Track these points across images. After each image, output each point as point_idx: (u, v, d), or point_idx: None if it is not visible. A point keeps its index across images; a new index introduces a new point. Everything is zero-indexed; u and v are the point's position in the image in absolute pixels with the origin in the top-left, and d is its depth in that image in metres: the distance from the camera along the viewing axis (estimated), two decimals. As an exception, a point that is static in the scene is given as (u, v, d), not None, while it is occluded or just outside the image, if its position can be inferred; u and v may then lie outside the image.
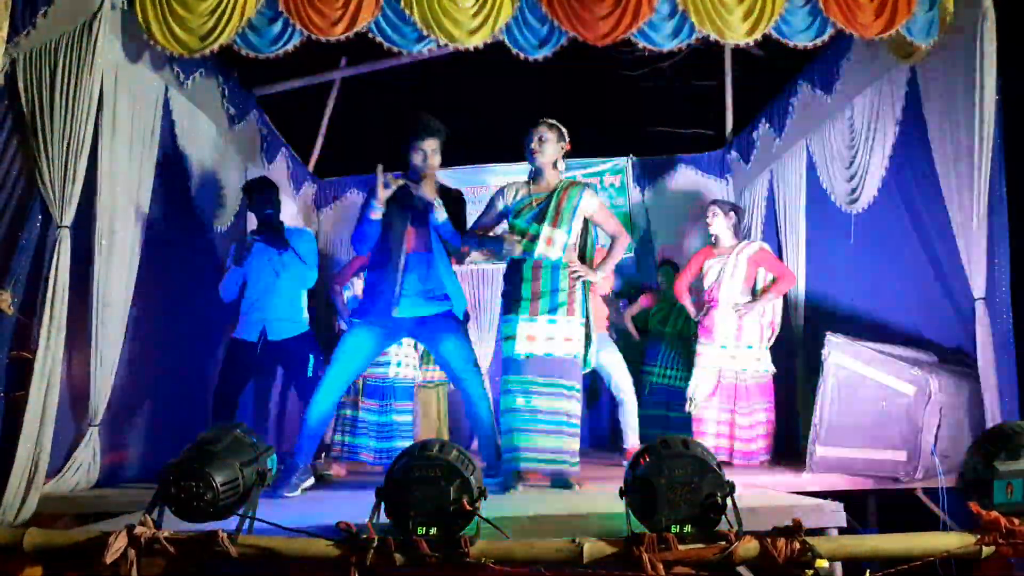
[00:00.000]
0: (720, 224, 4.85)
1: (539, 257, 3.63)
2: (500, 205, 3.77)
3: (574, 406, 3.60)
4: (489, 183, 6.69)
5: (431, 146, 3.64)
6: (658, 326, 5.88)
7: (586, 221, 3.80)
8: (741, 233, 5.01)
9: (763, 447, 4.69)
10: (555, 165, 3.74)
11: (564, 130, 3.76)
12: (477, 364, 3.75)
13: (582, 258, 3.79)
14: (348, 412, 4.80)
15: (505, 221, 3.79)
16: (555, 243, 3.63)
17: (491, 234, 3.84)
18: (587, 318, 3.73)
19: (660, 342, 5.83)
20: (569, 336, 3.60)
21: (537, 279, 3.61)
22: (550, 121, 3.74)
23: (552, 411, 3.55)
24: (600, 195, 6.78)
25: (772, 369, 4.75)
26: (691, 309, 4.99)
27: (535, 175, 3.77)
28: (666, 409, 5.69)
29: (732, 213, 4.89)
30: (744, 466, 4.56)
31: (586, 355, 3.74)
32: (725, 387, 4.71)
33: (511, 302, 3.65)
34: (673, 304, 5.57)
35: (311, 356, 4.42)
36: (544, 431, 3.55)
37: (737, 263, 4.76)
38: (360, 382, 4.77)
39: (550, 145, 3.69)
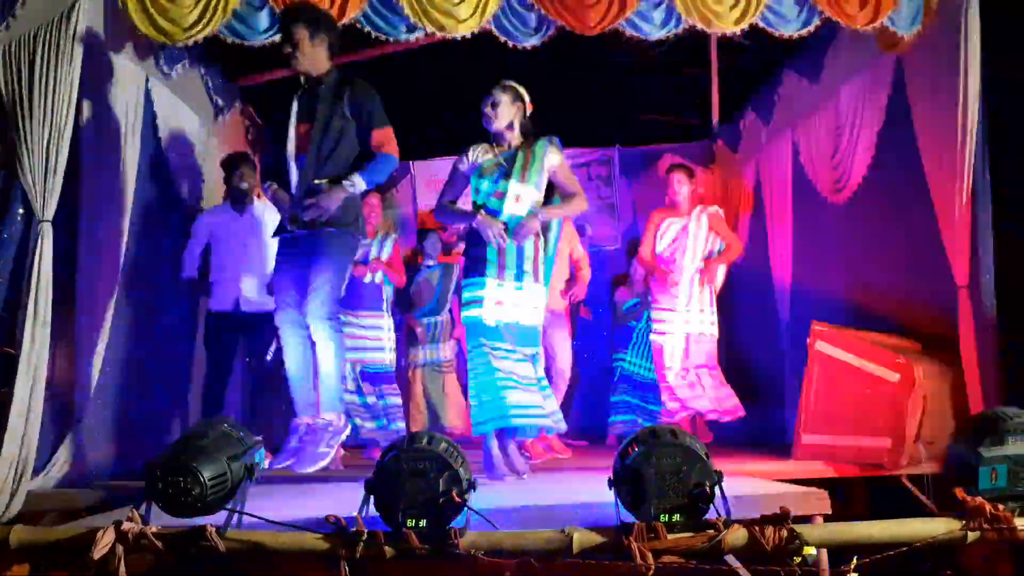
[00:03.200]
0: (685, 189, 4.90)
1: (508, 218, 3.53)
2: (463, 168, 3.66)
3: (540, 369, 3.64)
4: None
5: (300, 34, 3.34)
6: (629, 319, 5.88)
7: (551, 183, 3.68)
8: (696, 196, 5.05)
9: (738, 403, 4.80)
10: (512, 126, 3.63)
11: (521, 89, 3.65)
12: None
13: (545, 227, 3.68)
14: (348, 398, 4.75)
15: (468, 182, 3.69)
16: (523, 199, 3.54)
17: (460, 207, 3.71)
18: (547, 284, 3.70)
19: (631, 333, 5.84)
20: (536, 304, 3.59)
21: (504, 240, 3.50)
22: (505, 83, 3.63)
23: (524, 376, 3.51)
24: (588, 185, 6.86)
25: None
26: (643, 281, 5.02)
27: (495, 139, 3.67)
28: (640, 400, 5.73)
29: (691, 177, 4.96)
30: (732, 421, 4.65)
31: None
32: (694, 350, 4.79)
33: (477, 263, 3.54)
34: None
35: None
36: (525, 389, 3.50)
37: (700, 225, 4.81)
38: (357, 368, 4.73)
39: (504, 108, 3.59)
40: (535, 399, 3.52)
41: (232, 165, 4.51)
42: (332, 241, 3.36)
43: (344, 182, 3.32)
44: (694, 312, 4.77)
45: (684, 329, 4.77)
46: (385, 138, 3.42)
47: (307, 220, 3.33)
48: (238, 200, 4.43)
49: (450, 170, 3.74)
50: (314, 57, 3.42)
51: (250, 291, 4.35)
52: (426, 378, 5.51)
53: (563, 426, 3.63)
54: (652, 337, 4.84)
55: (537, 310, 3.61)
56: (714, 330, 4.88)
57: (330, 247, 3.36)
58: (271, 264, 3.98)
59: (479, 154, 3.64)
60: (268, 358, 4.50)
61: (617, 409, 5.61)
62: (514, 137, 3.66)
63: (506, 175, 3.55)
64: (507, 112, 3.61)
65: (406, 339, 5.40)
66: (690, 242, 4.80)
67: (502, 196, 3.54)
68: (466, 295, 3.58)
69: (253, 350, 4.49)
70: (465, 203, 3.78)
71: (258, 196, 4.51)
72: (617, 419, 5.75)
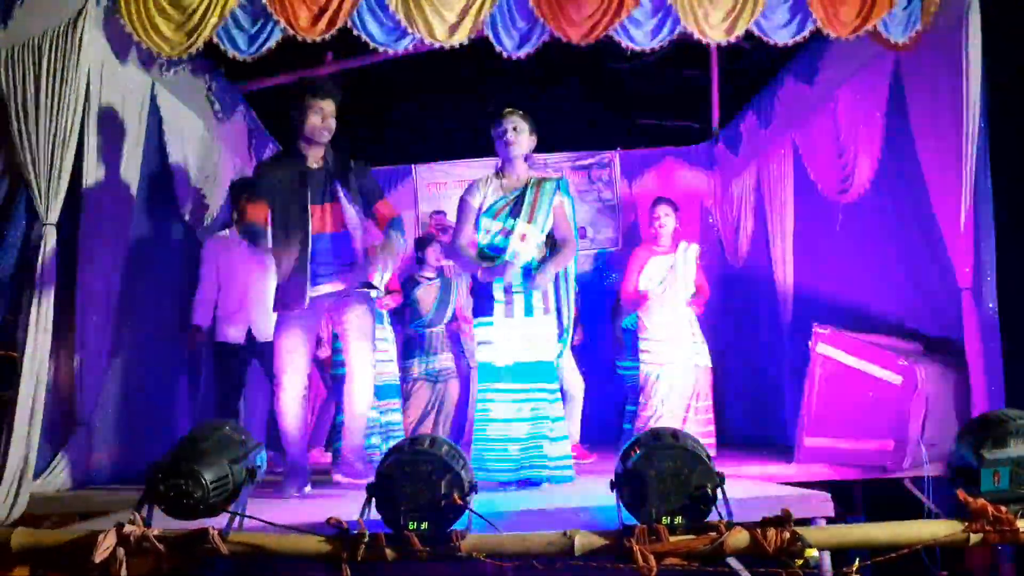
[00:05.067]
0: (671, 223, 4.87)
1: (511, 255, 3.48)
2: (474, 202, 3.61)
3: (555, 410, 3.50)
4: (469, 177, 6.66)
5: (330, 108, 3.44)
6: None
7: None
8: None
9: (711, 435, 4.75)
10: (527, 156, 3.63)
11: (534, 123, 3.63)
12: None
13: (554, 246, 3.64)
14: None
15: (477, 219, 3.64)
16: (529, 239, 3.51)
17: (471, 255, 3.62)
18: (561, 314, 3.64)
19: (636, 337, 5.81)
20: (548, 337, 3.52)
21: (511, 278, 3.47)
22: (520, 112, 3.60)
23: (535, 418, 3.43)
24: (590, 187, 6.85)
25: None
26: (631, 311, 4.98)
27: (505, 168, 3.63)
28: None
29: (677, 211, 4.93)
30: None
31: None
32: (685, 382, 4.74)
33: (485, 302, 3.52)
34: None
35: None
36: (525, 438, 3.43)
37: (687, 260, 4.79)
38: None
39: (524, 136, 3.57)
40: (531, 452, 3.41)
41: (238, 190, 4.42)
42: (370, 300, 3.60)
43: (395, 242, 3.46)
44: (685, 345, 4.74)
45: (674, 361, 4.73)
46: (389, 207, 3.62)
47: (364, 282, 3.51)
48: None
49: (460, 204, 3.68)
50: (331, 132, 3.49)
51: (262, 321, 4.28)
52: (425, 389, 5.50)
53: (566, 476, 3.47)
54: (642, 368, 4.81)
55: (550, 343, 3.52)
56: (707, 361, 4.84)
57: (371, 304, 3.59)
58: None
59: (489, 191, 3.60)
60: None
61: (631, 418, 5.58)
62: (524, 169, 3.63)
63: (514, 214, 3.52)
64: (525, 141, 3.59)
65: (402, 351, 5.37)
66: (679, 279, 4.78)
67: (508, 234, 3.51)
68: (478, 336, 3.58)
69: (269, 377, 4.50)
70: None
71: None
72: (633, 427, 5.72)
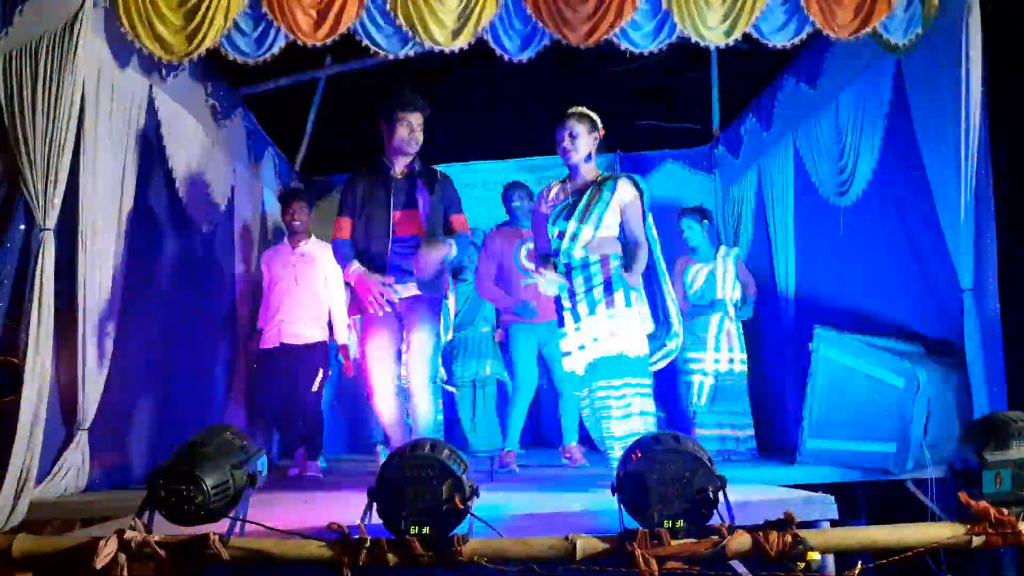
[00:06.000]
0: (697, 233, 4.92)
1: (565, 256, 3.46)
2: (544, 210, 3.60)
3: (645, 403, 3.33)
4: (475, 181, 6.66)
5: (418, 120, 3.58)
6: None
7: (614, 216, 3.47)
8: (715, 237, 5.06)
9: (752, 443, 4.83)
10: (589, 158, 3.54)
11: (595, 118, 3.55)
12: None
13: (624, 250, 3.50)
14: None
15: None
16: (579, 239, 3.43)
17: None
18: (633, 307, 3.40)
19: None
20: (615, 331, 3.33)
21: (570, 282, 3.43)
22: (580, 111, 3.52)
23: (621, 409, 3.32)
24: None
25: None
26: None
27: (570, 173, 3.59)
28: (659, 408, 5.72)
29: (704, 220, 4.96)
30: (742, 461, 4.65)
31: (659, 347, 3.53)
32: (723, 389, 4.79)
33: (560, 313, 3.51)
34: None
35: (320, 369, 4.65)
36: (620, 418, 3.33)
37: (727, 268, 4.84)
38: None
39: (582, 140, 3.48)
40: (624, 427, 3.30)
41: (285, 201, 4.88)
42: (433, 305, 3.64)
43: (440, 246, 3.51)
44: (723, 351, 4.81)
45: (713, 367, 4.80)
46: (463, 222, 3.73)
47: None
48: (291, 235, 4.82)
49: (533, 216, 3.74)
50: (419, 144, 3.62)
51: (295, 326, 4.63)
52: (465, 395, 5.54)
53: None
54: (681, 376, 4.86)
55: (617, 338, 3.32)
56: (743, 369, 4.88)
57: (431, 311, 3.63)
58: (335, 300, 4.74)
59: (555, 195, 3.60)
60: (314, 389, 4.66)
61: None
62: (589, 170, 3.56)
63: (569, 215, 3.47)
64: (585, 144, 3.50)
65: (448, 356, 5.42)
66: (719, 285, 4.85)
67: (562, 236, 3.49)
68: (560, 346, 3.58)
69: (299, 381, 4.67)
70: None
71: (308, 234, 4.90)
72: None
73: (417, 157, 3.67)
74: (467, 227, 3.76)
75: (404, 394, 3.65)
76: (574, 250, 3.45)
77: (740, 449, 4.77)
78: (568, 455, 4.58)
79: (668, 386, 5.25)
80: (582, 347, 3.42)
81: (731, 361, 4.84)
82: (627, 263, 3.42)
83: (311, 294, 4.74)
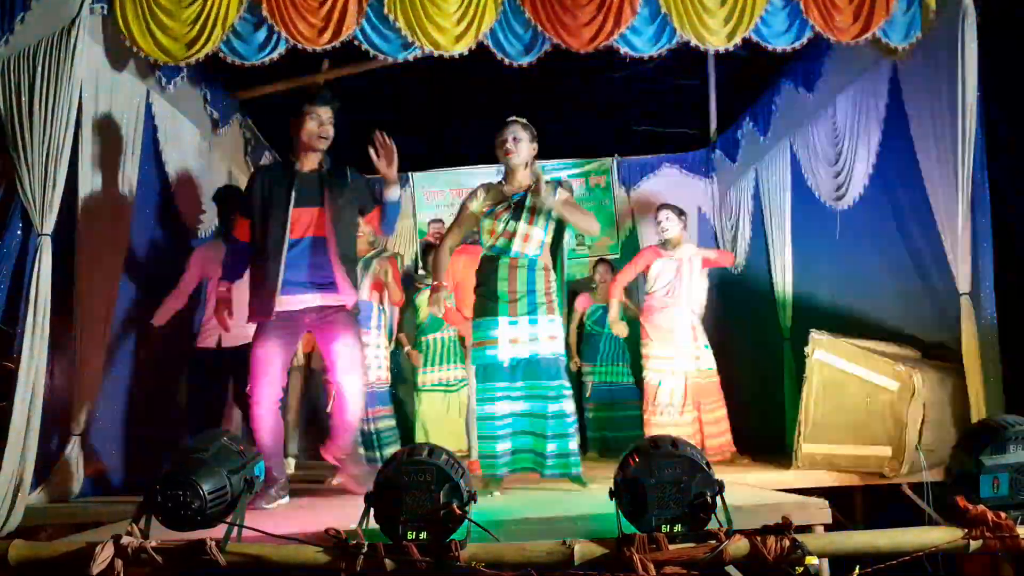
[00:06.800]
0: (675, 227, 4.88)
1: (515, 254, 3.58)
2: (474, 207, 3.68)
3: (567, 405, 3.53)
4: (473, 185, 6.67)
5: (327, 114, 3.45)
6: (595, 326, 5.88)
7: (559, 223, 3.70)
8: (686, 235, 5.05)
9: (729, 440, 4.80)
10: (527, 164, 3.67)
11: (535, 131, 3.69)
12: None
13: (553, 258, 3.75)
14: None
15: (478, 222, 3.71)
16: (532, 239, 3.58)
17: (446, 264, 3.73)
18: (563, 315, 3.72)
19: (598, 341, 5.83)
20: (553, 334, 3.57)
21: (514, 279, 3.56)
22: (522, 120, 3.67)
23: (542, 414, 3.52)
24: (588, 194, 6.86)
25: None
26: (630, 309, 5.09)
27: (507, 175, 3.70)
28: (610, 409, 5.72)
29: (682, 216, 4.95)
30: (718, 460, 4.63)
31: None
32: (691, 387, 4.75)
33: (487, 303, 3.58)
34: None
35: None
36: (535, 435, 3.54)
37: (693, 266, 4.81)
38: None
39: (524, 145, 3.63)
40: (543, 446, 3.51)
41: (222, 199, 4.41)
42: (356, 326, 3.57)
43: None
44: (690, 352, 4.76)
45: (682, 367, 4.75)
46: (377, 220, 3.64)
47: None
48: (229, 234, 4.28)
49: (459, 208, 3.77)
50: (329, 139, 3.49)
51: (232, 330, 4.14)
52: (432, 399, 5.49)
53: (571, 469, 3.51)
54: (646, 375, 4.83)
55: (555, 341, 3.57)
56: (712, 366, 4.84)
57: (357, 331, 3.57)
58: None
59: (491, 196, 3.67)
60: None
61: (595, 426, 5.60)
62: (525, 176, 3.68)
63: (516, 216, 3.58)
64: (526, 150, 3.64)
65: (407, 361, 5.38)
66: (685, 281, 4.80)
67: (511, 236, 3.58)
68: (477, 335, 3.60)
69: (240, 384, 4.44)
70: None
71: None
72: (596, 435, 5.74)
73: (326, 155, 3.52)
74: (378, 226, 3.67)
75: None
76: (526, 249, 3.58)
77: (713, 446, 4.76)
78: None
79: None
80: (514, 342, 3.52)
81: (698, 359, 4.80)
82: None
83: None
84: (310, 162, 3.47)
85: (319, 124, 3.43)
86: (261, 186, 3.43)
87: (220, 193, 4.49)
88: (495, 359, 3.53)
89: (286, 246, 3.33)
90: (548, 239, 3.67)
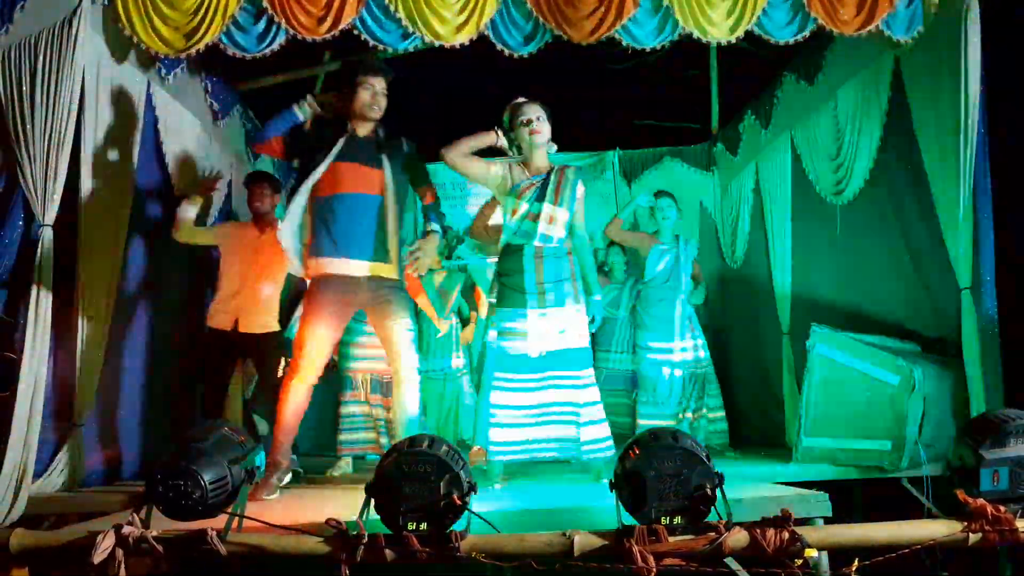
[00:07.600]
0: (672, 216, 4.92)
1: (541, 239, 3.56)
2: (496, 168, 3.62)
3: (597, 393, 3.55)
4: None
5: (381, 85, 3.50)
6: (609, 309, 5.84)
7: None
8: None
9: (726, 428, 4.85)
10: (547, 144, 3.66)
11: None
12: None
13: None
14: (354, 409, 4.59)
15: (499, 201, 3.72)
16: (556, 221, 3.58)
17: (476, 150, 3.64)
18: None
19: (613, 326, 5.79)
20: (581, 322, 3.57)
21: (540, 270, 3.54)
22: (540, 102, 3.66)
23: (574, 402, 3.51)
24: (588, 187, 6.83)
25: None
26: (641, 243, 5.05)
27: (528, 155, 3.65)
28: (628, 396, 5.69)
29: (677, 206, 4.98)
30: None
31: None
32: (694, 376, 4.79)
33: (513, 293, 3.55)
34: (624, 285, 5.56)
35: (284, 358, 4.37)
36: (567, 423, 3.52)
37: (686, 257, 4.86)
38: (368, 377, 4.62)
39: (545, 124, 3.62)
40: (574, 432, 3.50)
41: (250, 183, 4.48)
42: (408, 307, 3.60)
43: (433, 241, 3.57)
44: (686, 341, 4.79)
45: (680, 356, 4.78)
46: (433, 192, 3.70)
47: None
48: (256, 220, 4.43)
49: (495, 176, 3.64)
50: (382, 110, 3.52)
51: (251, 312, 4.27)
52: (431, 387, 5.48)
53: (601, 455, 3.50)
54: (641, 365, 4.85)
55: (583, 329, 3.58)
56: (707, 356, 4.87)
57: (410, 313, 3.58)
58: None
59: (516, 174, 3.63)
60: (280, 374, 4.41)
61: (613, 411, 5.57)
62: (543, 157, 3.66)
63: (540, 197, 3.57)
64: (547, 129, 3.63)
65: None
66: (680, 273, 4.85)
67: (536, 218, 3.56)
68: (499, 324, 3.56)
69: (258, 368, 4.47)
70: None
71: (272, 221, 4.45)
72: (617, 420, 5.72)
73: (381, 124, 3.57)
74: (435, 195, 3.69)
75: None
76: (551, 231, 3.58)
77: (712, 440, 4.78)
78: None
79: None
80: (544, 336, 3.50)
81: (696, 348, 4.83)
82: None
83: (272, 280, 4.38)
84: (364, 129, 3.53)
85: (372, 95, 3.49)
86: (316, 141, 3.49)
87: (252, 176, 4.54)
88: (522, 351, 3.51)
89: (338, 198, 3.38)
90: (570, 221, 3.65)
